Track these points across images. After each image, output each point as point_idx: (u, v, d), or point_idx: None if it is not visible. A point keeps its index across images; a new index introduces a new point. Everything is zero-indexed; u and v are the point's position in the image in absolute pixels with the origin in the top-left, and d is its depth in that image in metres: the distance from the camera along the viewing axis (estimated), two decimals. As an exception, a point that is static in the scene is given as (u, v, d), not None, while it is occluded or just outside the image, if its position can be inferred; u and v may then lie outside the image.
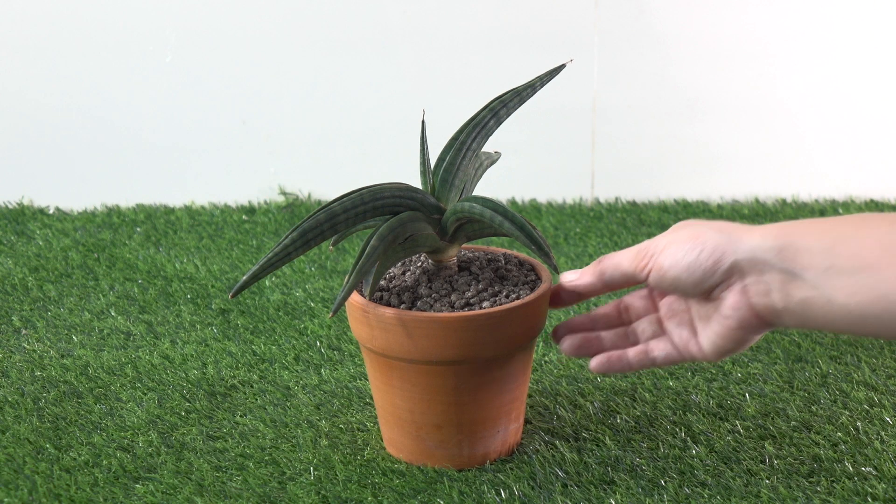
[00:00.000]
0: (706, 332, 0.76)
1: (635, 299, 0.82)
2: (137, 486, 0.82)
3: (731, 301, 0.73)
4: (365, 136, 1.44)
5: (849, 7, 1.40)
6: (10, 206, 1.44)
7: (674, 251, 0.74)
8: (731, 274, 0.72)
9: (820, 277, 0.68)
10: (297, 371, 0.99)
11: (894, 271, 0.66)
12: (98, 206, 1.44)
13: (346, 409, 0.93)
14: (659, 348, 0.79)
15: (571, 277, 0.81)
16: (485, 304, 0.81)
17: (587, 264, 1.23)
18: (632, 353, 0.80)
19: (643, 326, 0.82)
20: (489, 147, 0.88)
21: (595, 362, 0.80)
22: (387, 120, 1.43)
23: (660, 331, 0.81)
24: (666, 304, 0.80)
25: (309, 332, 1.07)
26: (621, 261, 0.78)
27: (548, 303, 0.83)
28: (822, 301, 0.69)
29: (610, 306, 0.83)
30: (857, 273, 0.67)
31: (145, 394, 0.96)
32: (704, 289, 0.74)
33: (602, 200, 1.44)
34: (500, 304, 0.81)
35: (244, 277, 0.76)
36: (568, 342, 0.82)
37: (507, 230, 0.78)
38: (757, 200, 1.43)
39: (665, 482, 0.81)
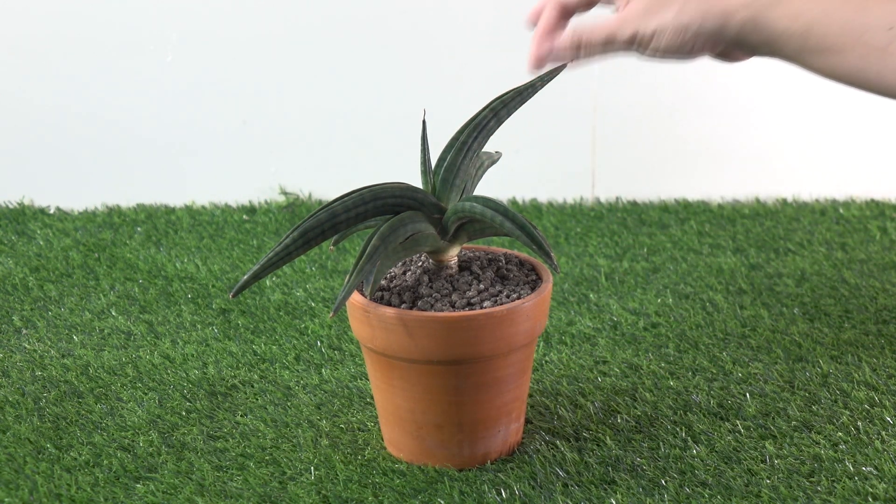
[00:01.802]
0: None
1: None
2: (138, 485, 0.82)
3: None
4: (365, 136, 1.44)
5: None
6: (10, 206, 1.44)
7: (664, 42, 0.82)
8: None
9: (792, 56, 0.81)
10: (297, 371, 0.99)
11: (858, 54, 0.76)
12: (99, 205, 1.44)
13: (346, 409, 0.93)
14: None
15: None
16: (486, 303, 0.81)
17: (588, 264, 1.24)
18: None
19: None
20: (490, 147, 0.88)
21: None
22: (387, 120, 1.43)
23: None
24: None
25: (309, 331, 1.07)
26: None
27: (548, 303, 0.83)
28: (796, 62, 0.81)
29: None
30: (825, 53, 0.78)
31: (146, 394, 0.96)
32: None
33: (603, 200, 1.44)
34: (501, 304, 0.81)
35: (245, 277, 0.76)
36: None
37: (507, 230, 0.78)
38: (758, 200, 1.43)
39: (666, 482, 0.81)
